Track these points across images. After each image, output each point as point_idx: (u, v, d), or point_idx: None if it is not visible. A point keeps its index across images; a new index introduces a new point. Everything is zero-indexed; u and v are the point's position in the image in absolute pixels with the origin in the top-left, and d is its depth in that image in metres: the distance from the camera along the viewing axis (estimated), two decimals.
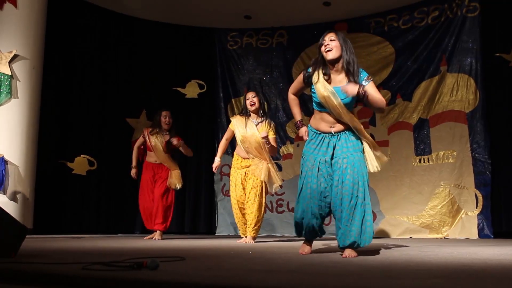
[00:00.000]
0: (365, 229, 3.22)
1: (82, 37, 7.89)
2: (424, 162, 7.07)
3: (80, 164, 7.14)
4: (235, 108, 8.36)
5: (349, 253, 3.19)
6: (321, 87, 3.35)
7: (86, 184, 7.64)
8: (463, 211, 6.62)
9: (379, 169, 3.41)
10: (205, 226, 8.30)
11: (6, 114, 6.12)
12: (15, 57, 6.21)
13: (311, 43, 8.19)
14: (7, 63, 6.16)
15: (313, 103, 3.52)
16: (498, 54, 6.59)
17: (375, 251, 3.67)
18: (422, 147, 7.13)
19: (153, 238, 5.89)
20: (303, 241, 3.57)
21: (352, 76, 3.35)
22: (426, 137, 7.12)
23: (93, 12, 7.91)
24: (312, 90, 3.45)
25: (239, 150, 5.48)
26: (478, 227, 6.44)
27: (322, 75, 3.39)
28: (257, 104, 5.37)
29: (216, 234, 8.03)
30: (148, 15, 8.29)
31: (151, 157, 6.19)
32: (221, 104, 8.47)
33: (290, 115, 8.02)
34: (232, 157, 5.68)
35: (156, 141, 6.09)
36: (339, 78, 3.40)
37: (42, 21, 6.59)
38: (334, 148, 3.39)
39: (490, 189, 6.52)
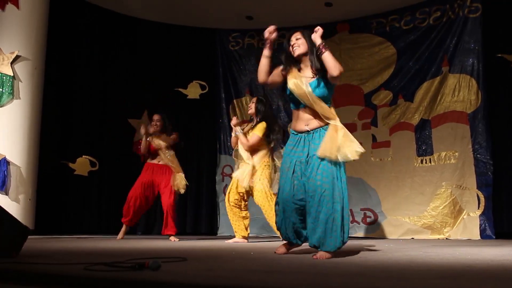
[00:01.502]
0: (331, 229, 3.16)
1: (84, 37, 7.90)
2: (425, 162, 7.06)
3: (82, 165, 7.15)
4: (236, 109, 8.37)
5: (320, 255, 3.15)
6: (292, 77, 3.45)
7: (88, 185, 7.65)
8: (465, 212, 6.61)
9: (334, 157, 3.24)
10: (207, 226, 8.30)
11: (8, 115, 6.13)
12: (17, 57, 6.22)
13: None
14: (9, 64, 6.17)
15: (290, 104, 3.59)
16: (500, 55, 6.59)
17: (377, 251, 3.67)
18: (424, 148, 7.12)
19: (173, 240, 5.82)
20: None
21: (315, 64, 3.42)
22: (427, 137, 7.12)
23: (95, 12, 7.91)
24: (286, 87, 3.51)
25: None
26: (480, 227, 6.43)
27: (295, 68, 3.50)
28: (252, 109, 5.50)
29: (218, 234, 8.03)
30: (150, 16, 8.30)
31: (154, 158, 6.15)
32: (223, 105, 8.47)
33: (291, 116, 8.02)
34: (233, 157, 5.73)
35: (159, 141, 6.06)
36: (308, 74, 3.47)
37: (44, 22, 6.60)
38: (309, 147, 3.38)
39: (492, 189, 6.51)
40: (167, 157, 6.09)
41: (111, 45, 8.17)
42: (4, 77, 6.13)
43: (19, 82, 6.22)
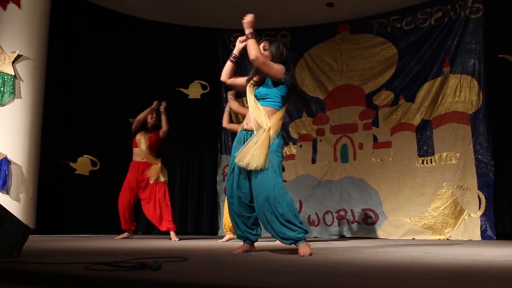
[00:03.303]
0: (284, 223, 3.27)
1: (85, 37, 7.92)
2: (427, 163, 7.06)
3: (83, 164, 7.14)
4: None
5: (302, 251, 3.23)
6: (249, 84, 3.70)
7: (89, 184, 7.66)
8: (466, 212, 6.61)
9: (242, 164, 3.40)
10: (208, 226, 8.30)
11: (9, 114, 6.14)
12: (18, 57, 6.23)
13: (314, 44, 8.21)
14: (11, 63, 6.17)
15: None
16: (501, 55, 6.58)
17: (377, 252, 3.66)
18: (425, 148, 7.12)
19: (173, 239, 5.84)
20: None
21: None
22: (429, 138, 7.11)
23: (96, 12, 7.92)
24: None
25: None
26: (481, 228, 6.43)
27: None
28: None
29: (219, 234, 8.03)
30: (151, 16, 8.30)
31: (137, 156, 6.22)
32: (224, 105, 8.45)
33: (292, 116, 8.03)
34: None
35: (140, 137, 6.16)
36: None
37: (45, 21, 6.61)
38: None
39: (493, 190, 6.51)
40: (144, 154, 6.15)
41: (112, 45, 8.18)
42: (6, 76, 6.14)
43: (21, 82, 6.23)
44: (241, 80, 3.87)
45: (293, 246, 3.40)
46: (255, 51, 3.51)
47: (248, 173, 3.50)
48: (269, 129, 3.44)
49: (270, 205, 3.30)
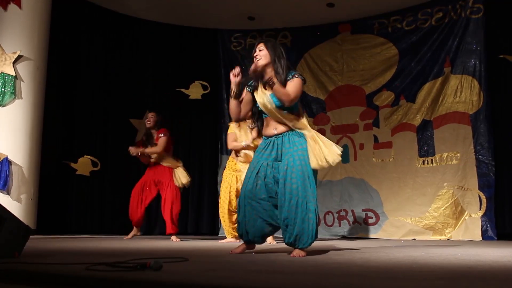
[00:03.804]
0: (307, 227, 3.29)
1: (86, 38, 7.93)
2: (427, 163, 7.06)
3: (84, 165, 7.15)
4: None
5: (297, 253, 3.26)
6: (259, 95, 3.52)
7: (90, 185, 7.66)
8: (466, 212, 6.61)
9: (326, 164, 3.43)
10: (208, 227, 8.31)
11: (10, 115, 6.14)
12: (19, 57, 6.23)
13: (315, 44, 8.22)
14: (11, 64, 6.17)
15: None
16: (502, 56, 6.58)
17: (378, 252, 3.66)
18: (426, 149, 7.12)
19: (174, 240, 5.86)
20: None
21: (279, 76, 3.46)
22: (429, 138, 7.11)
23: (97, 13, 7.93)
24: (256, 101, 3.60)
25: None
26: (481, 229, 6.42)
27: (260, 84, 3.55)
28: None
29: (219, 235, 8.03)
30: (152, 16, 8.31)
31: (151, 158, 6.17)
32: (225, 105, 8.47)
33: None
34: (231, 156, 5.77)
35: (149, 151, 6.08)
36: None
37: (46, 22, 6.61)
38: (277, 150, 3.51)
39: (494, 190, 6.51)
40: (162, 159, 6.12)
41: (113, 45, 8.19)
42: (6, 77, 6.14)
43: (21, 82, 6.23)
44: (246, 101, 3.69)
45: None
46: (285, 96, 3.38)
47: (275, 176, 3.47)
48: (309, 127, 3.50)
49: (313, 203, 3.33)
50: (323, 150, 3.42)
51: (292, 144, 3.45)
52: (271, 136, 3.56)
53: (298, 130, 3.48)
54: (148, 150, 5.99)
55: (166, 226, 6.10)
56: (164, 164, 6.10)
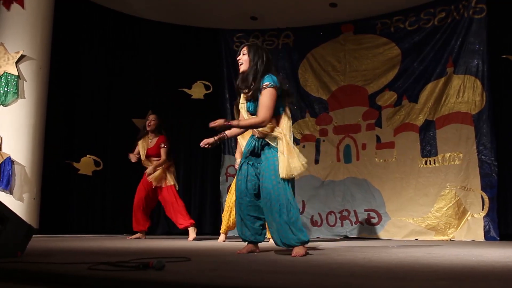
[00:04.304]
0: (284, 227, 3.32)
1: (89, 37, 7.93)
2: (430, 163, 7.05)
3: (86, 164, 7.16)
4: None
5: (296, 251, 3.29)
6: (240, 104, 3.71)
7: (92, 184, 7.67)
8: (469, 213, 6.59)
9: (287, 176, 3.40)
10: (211, 226, 8.31)
11: (13, 114, 6.15)
12: (22, 57, 6.23)
13: (317, 44, 8.21)
14: (14, 63, 6.18)
15: None
16: (504, 56, 6.57)
17: (380, 252, 3.66)
18: (428, 149, 7.11)
19: (189, 239, 5.96)
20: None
21: (254, 83, 3.54)
22: (432, 138, 7.10)
23: (100, 12, 7.93)
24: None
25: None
26: (484, 229, 6.41)
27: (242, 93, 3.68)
28: None
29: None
30: (154, 16, 8.31)
31: (145, 163, 6.36)
32: (227, 105, 8.47)
33: (295, 116, 8.02)
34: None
35: (140, 147, 6.33)
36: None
37: (49, 22, 6.61)
38: (257, 151, 3.60)
39: (497, 191, 6.49)
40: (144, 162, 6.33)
41: (116, 45, 8.19)
42: (9, 77, 6.15)
43: (24, 82, 6.24)
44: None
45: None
46: (251, 123, 3.51)
47: (258, 174, 3.56)
48: (284, 135, 3.49)
49: (281, 209, 3.34)
50: (290, 162, 3.42)
51: (266, 150, 3.54)
52: (254, 135, 3.66)
53: (274, 137, 3.51)
54: (155, 165, 6.18)
55: (177, 225, 6.25)
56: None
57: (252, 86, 3.54)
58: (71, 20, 7.59)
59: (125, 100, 8.02)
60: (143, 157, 6.30)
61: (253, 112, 3.56)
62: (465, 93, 6.91)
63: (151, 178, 6.15)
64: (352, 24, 8.03)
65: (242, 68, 3.64)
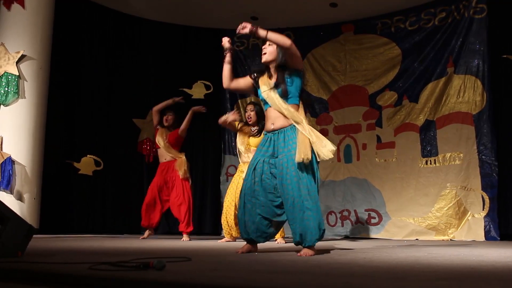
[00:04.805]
0: (306, 227, 3.28)
1: (89, 37, 7.94)
2: (430, 163, 7.05)
3: (87, 164, 7.16)
4: (241, 109, 8.36)
5: (304, 252, 3.27)
6: (262, 82, 3.62)
7: (93, 184, 7.67)
8: (469, 213, 6.60)
9: (309, 158, 3.34)
10: (211, 226, 8.32)
11: (13, 114, 6.15)
12: (22, 57, 6.24)
13: (318, 44, 8.21)
14: (15, 63, 6.18)
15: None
16: (505, 56, 6.57)
17: (381, 252, 3.66)
18: (429, 149, 7.11)
19: (183, 240, 6.05)
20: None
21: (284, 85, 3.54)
22: (432, 138, 7.11)
23: (100, 12, 7.94)
24: (259, 91, 3.68)
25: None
26: (484, 229, 6.41)
27: (266, 74, 3.65)
28: (254, 117, 5.54)
29: (222, 234, 8.02)
30: (155, 16, 8.32)
31: (161, 157, 6.47)
32: (227, 105, 8.48)
33: None
34: (237, 157, 5.78)
35: (159, 138, 6.44)
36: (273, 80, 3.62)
37: (49, 22, 6.61)
38: (274, 146, 3.53)
39: (497, 191, 6.49)
40: (165, 150, 6.41)
41: (116, 45, 8.20)
42: (10, 77, 6.15)
43: (24, 82, 6.24)
44: (244, 82, 3.86)
45: (299, 246, 3.42)
46: (285, 38, 3.48)
47: (273, 173, 3.50)
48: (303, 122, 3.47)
49: (311, 201, 3.32)
50: (315, 144, 3.38)
51: (287, 143, 3.46)
52: (269, 132, 3.59)
53: (294, 124, 3.47)
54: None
55: (178, 220, 6.41)
56: (169, 156, 6.38)
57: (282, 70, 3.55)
58: (71, 20, 7.59)
59: (125, 100, 8.03)
60: (164, 146, 6.37)
61: (281, 95, 3.52)
62: (465, 93, 6.91)
63: (177, 167, 6.26)
64: (353, 24, 8.03)
65: (265, 58, 3.63)
